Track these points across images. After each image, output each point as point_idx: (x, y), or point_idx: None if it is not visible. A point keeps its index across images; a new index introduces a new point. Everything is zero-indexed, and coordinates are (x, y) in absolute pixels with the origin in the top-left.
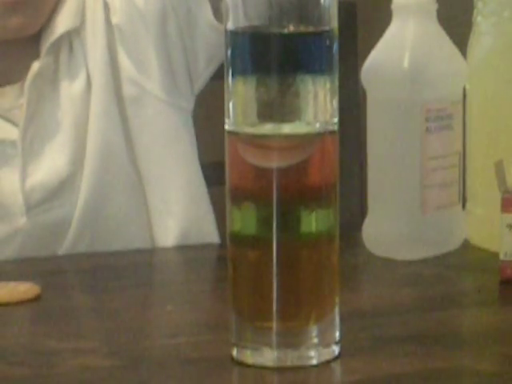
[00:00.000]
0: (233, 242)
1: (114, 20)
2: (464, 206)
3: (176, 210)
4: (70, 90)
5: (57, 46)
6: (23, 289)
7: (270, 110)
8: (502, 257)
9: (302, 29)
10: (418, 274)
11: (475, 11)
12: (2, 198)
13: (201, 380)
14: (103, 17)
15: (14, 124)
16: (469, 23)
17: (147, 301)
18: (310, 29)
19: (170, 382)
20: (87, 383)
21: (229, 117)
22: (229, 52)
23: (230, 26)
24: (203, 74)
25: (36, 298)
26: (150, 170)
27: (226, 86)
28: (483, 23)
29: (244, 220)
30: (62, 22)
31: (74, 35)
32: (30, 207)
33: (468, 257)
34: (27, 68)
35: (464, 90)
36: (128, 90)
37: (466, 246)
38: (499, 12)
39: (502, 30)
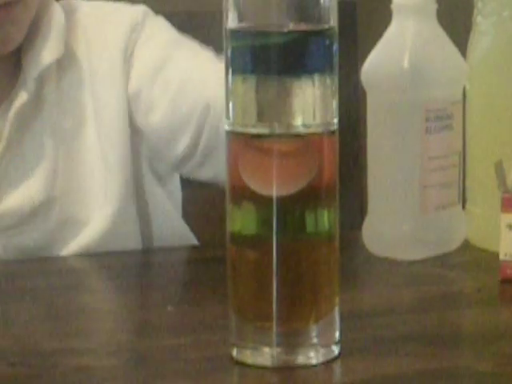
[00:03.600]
0: (233, 242)
1: (129, 87)
2: (464, 206)
3: None
4: (57, 121)
5: (43, 74)
6: None
7: (269, 110)
8: (501, 257)
9: (302, 28)
10: (418, 274)
11: (475, 11)
12: None
13: (201, 380)
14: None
15: None
16: (469, 23)
17: (147, 301)
18: (310, 28)
19: (170, 382)
20: (87, 383)
21: (229, 117)
22: (229, 51)
23: (230, 24)
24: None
25: None
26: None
27: (225, 85)
28: (483, 23)
29: (244, 220)
30: (46, 49)
31: (66, 65)
32: (1, 230)
33: (468, 257)
34: (7, 93)
35: (464, 89)
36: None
37: (466, 246)
38: (499, 12)
39: (502, 30)
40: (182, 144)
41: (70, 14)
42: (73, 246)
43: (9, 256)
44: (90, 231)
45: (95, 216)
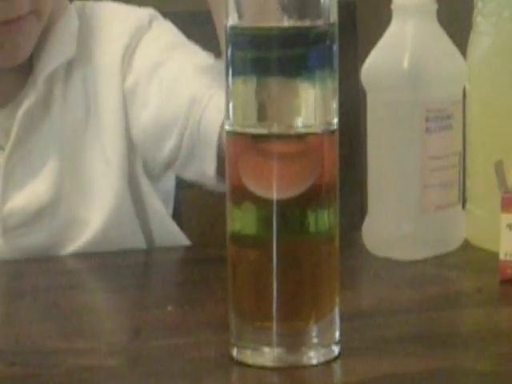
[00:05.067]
0: (233, 242)
1: (126, 83)
2: (464, 206)
3: None
4: (63, 120)
5: (52, 75)
6: None
7: (269, 111)
8: (501, 257)
9: (302, 27)
10: (418, 274)
11: (475, 11)
12: None
13: (201, 380)
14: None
15: None
16: (469, 23)
17: (147, 301)
18: (310, 27)
19: (170, 382)
20: (87, 383)
21: (229, 117)
22: (229, 51)
23: (231, 23)
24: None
25: None
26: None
27: (225, 86)
28: (483, 23)
29: (244, 220)
30: (58, 52)
31: (74, 65)
32: (7, 230)
33: (468, 257)
34: (16, 93)
35: (464, 89)
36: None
37: (466, 246)
38: (499, 12)
39: (501, 30)
40: (168, 146)
41: (82, 16)
42: (75, 246)
43: (14, 256)
44: (91, 230)
45: (95, 214)
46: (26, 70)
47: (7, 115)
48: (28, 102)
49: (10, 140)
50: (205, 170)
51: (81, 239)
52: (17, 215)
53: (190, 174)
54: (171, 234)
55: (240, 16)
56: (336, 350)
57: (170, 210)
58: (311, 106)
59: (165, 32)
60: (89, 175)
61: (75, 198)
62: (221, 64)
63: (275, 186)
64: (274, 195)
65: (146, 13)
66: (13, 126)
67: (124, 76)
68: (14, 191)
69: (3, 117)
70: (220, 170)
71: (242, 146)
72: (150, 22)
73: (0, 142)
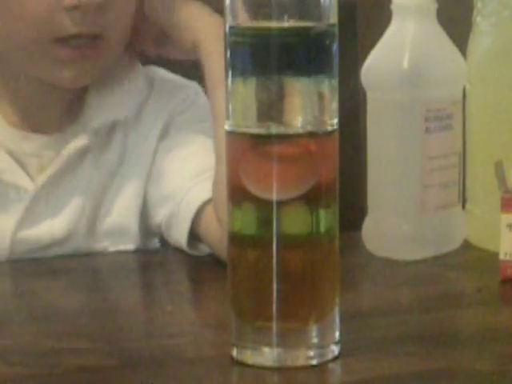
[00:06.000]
0: (233, 242)
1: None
2: (464, 206)
3: None
4: (98, 165)
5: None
6: None
7: (269, 111)
8: (501, 257)
9: (302, 27)
10: (418, 274)
11: (475, 11)
12: None
13: (201, 380)
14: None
15: (25, 171)
16: (469, 23)
17: (147, 301)
18: (310, 28)
19: (169, 382)
20: (87, 383)
21: (229, 117)
22: (228, 51)
23: (230, 23)
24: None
25: None
26: None
27: (225, 86)
28: (483, 23)
29: (244, 220)
30: (115, 108)
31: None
32: (14, 253)
33: (468, 257)
34: (61, 127)
35: (464, 89)
36: None
37: (466, 246)
38: (499, 12)
39: (501, 30)
40: (153, 221)
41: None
42: None
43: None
44: None
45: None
46: (78, 108)
47: (49, 144)
48: (79, 144)
49: (44, 174)
50: (179, 241)
51: None
52: (28, 243)
53: (170, 242)
54: None
55: (240, 16)
56: (336, 350)
57: None
58: (311, 106)
59: (202, 115)
60: (108, 217)
61: (88, 234)
62: None
63: (275, 186)
64: (274, 196)
65: (192, 86)
66: (53, 161)
67: (161, 139)
68: (31, 222)
69: (42, 143)
70: (193, 243)
71: (241, 147)
72: (196, 99)
73: (28, 167)
